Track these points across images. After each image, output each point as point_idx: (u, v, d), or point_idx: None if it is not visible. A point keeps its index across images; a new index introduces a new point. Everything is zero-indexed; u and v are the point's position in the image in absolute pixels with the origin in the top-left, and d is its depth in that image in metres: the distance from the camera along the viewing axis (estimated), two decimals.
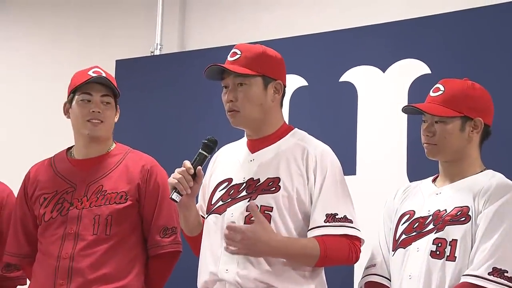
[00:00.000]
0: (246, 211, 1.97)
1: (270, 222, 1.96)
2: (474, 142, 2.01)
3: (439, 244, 1.90)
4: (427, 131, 2.00)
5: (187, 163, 1.98)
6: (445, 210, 1.94)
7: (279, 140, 2.05)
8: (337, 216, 1.96)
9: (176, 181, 1.95)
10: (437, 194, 2.01)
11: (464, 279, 1.85)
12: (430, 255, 1.90)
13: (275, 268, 1.94)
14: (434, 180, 2.07)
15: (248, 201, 1.98)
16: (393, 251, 2.01)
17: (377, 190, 2.69)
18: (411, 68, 2.76)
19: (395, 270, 1.98)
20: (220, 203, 2.03)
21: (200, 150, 2.01)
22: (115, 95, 2.32)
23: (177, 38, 3.49)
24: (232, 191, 2.02)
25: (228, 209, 2.00)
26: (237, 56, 2.04)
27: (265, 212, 1.97)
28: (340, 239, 1.96)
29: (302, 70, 2.94)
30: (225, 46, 3.16)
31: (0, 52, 3.85)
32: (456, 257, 1.88)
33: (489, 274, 1.82)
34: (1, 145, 3.68)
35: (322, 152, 2.02)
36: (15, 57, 3.82)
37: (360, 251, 2.00)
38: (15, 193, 2.45)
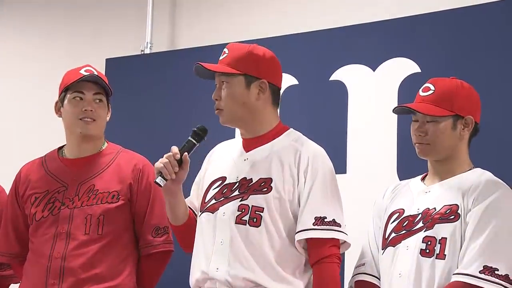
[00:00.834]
0: (238, 211, 1.97)
1: (260, 223, 1.96)
2: (464, 140, 2.03)
3: (429, 242, 1.91)
4: (419, 131, 2.00)
5: (174, 148, 1.99)
6: (435, 208, 1.95)
7: (273, 139, 2.05)
8: (325, 220, 1.95)
9: (162, 165, 1.96)
10: (426, 192, 2.01)
11: (455, 278, 1.85)
12: (419, 253, 1.91)
13: (265, 268, 1.95)
14: (423, 179, 2.08)
15: (241, 200, 1.99)
16: (382, 249, 2.01)
17: (367, 188, 2.70)
18: (401, 67, 2.76)
19: (385, 268, 1.99)
20: (213, 201, 2.03)
21: (189, 138, 2.02)
22: (107, 94, 2.32)
23: (167, 37, 3.48)
24: (225, 190, 2.02)
25: (220, 208, 2.01)
26: (225, 55, 2.06)
27: (256, 212, 1.97)
28: (330, 271, 1.95)
29: (292, 69, 2.94)
30: (215, 45, 3.16)
31: None
32: (445, 255, 1.89)
33: (480, 272, 1.82)
34: None
35: (314, 154, 2.02)
36: (5, 55, 3.80)
37: (341, 257, 1.99)
38: (7, 192, 2.44)
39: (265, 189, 1.98)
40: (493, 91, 2.56)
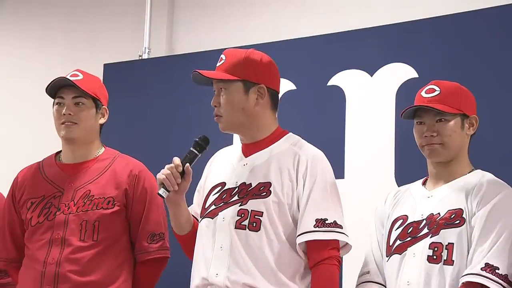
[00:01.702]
0: (237, 215, 1.97)
1: (260, 227, 1.96)
2: (468, 141, 2.02)
3: (436, 249, 1.89)
4: (431, 131, 1.97)
5: (177, 160, 1.99)
6: (439, 213, 1.93)
7: (272, 144, 2.05)
8: (327, 221, 1.95)
9: (164, 177, 1.96)
10: (428, 197, 2.00)
11: (463, 279, 1.84)
12: (427, 260, 1.89)
13: (265, 273, 1.94)
14: (424, 183, 2.06)
15: (240, 205, 1.98)
16: (387, 256, 1.99)
17: (365, 193, 2.70)
18: (399, 72, 2.77)
19: (391, 276, 1.97)
20: (213, 207, 2.03)
21: (191, 148, 2.01)
22: (94, 97, 2.29)
23: (165, 42, 3.48)
24: (225, 195, 2.02)
25: (220, 213, 2.00)
26: (222, 62, 2.06)
27: (255, 217, 1.97)
28: (329, 272, 1.94)
29: (290, 74, 2.94)
30: (213, 50, 3.16)
31: None
32: (453, 261, 1.87)
33: (481, 269, 1.82)
34: None
35: (313, 157, 2.02)
36: (2, 61, 3.80)
37: (341, 260, 1.99)
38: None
39: (264, 194, 1.97)
40: (490, 96, 2.56)
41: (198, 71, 2.03)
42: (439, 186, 2.00)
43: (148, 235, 2.25)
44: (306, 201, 1.97)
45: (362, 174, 2.77)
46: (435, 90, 2.00)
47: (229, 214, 1.98)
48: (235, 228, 1.96)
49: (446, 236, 1.89)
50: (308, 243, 1.96)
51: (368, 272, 2.03)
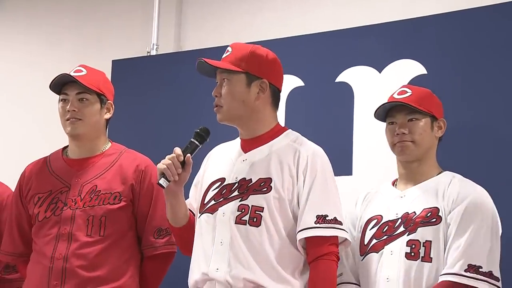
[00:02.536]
0: (237, 211, 1.97)
1: (260, 223, 1.96)
2: (436, 143, 2.11)
3: (413, 246, 1.95)
4: (402, 129, 2.06)
5: (178, 150, 1.99)
6: (414, 212, 2.00)
7: (271, 140, 2.06)
8: (327, 218, 1.96)
9: (165, 166, 1.96)
10: (401, 197, 2.06)
11: (442, 278, 1.90)
12: (405, 256, 1.95)
13: (265, 268, 1.95)
14: (393, 184, 2.13)
15: (240, 200, 1.98)
16: (362, 255, 2.05)
17: None
18: (407, 69, 2.76)
19: (367, 274, 2.02)
20: (212, 202, 2.03)
21: (192, 139, 2.02)
22: (98, 93, 2.29)
23: (173, 38, 3.48)
24: (224, 190, 2.02)
25: (219, 208, 2.01)
26: (228, 53, 2.08)
27: (256, 212, 1.97)
28: (328, 268, 1.95)
29: (298, 71, 2.93)
30: (221, 46, 3.13)
31: None
32: (431, 258, 1.93)
33: (465, 271, 1.87)
34: None
35: (313, 153, 2.03)
36: (11, 58, 3.81)
37: (339, 257, 1.99)
38: None
39: (265, 189, 1.98)
40: (499, 92, 2.55)
41: (203, 59, 2.04)
42: (410, 187, 2.07)
43: (155, 230, 2.26)
44: (307, 197, 1.98)
45: (370, 171, 2.76)
46: (407, 92, 2.11)
47: (229, 209, 1.98)
48: (236, 223, 1.97)
49: (424, 233, 1.96)
50: (307, 238, 1.97)
51: (341, 274, 2.08)
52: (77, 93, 2.27)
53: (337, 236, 1.98)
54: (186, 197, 2.13)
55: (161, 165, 1.97)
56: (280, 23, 3.23)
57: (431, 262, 1.92)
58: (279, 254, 1.96)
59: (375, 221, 2.05)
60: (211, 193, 2.05)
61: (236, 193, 2.00)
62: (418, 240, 1.95)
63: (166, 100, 3.27)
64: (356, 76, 2.86)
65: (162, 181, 1.96)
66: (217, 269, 1.95)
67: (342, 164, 2.66)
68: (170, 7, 3.53)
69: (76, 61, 2.50)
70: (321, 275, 1.94)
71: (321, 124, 2.84)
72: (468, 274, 1.87)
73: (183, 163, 1.98)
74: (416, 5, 2.90)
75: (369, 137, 2.80)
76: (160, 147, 3.11)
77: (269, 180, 1.99)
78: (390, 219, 2.02)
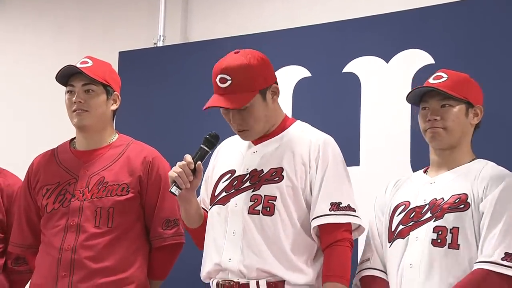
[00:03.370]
0: (250, 201, 1.97)
1: (274, 212, 1.97)
2: (471, 130, 2.05)
3: (440, 232, 1.91)
4: (435, 115, 2.00)
5: (188, 157, 1.99)
6: (442, 198, 1.96)
7: (281, 132, 2.06)
8: (341, 205, 1.98)
9: (176, 175, 1.96)
10: (431, 183, 2.02)
11: (478, 266, 1.86)
12: (431, 243, 1.91)
13: (278, 257, 1.95)
14: (425, 172, 2.09)
15: (253, 191, 1.99)
16: (389, 242, 2.02)
17: (380, 180, 2.66)
18: (415, 58, 2.74)
19: (393, 260, 1.99)
20: (224, 194, 2.04)
21: (202, 145, 2.02)
22: (104, 84, 2.29)
23: (180, 29, 3.48)
24: (236, 182, 2.03)
25: (232, 199, 2.01)
26: (228, 83, 1.98)
27: (269, 201, 1.98)
28: (342, 253, 1.96)
29: (305, 61, 2.92)
30: (228, 37, 3.15)
31: (4, 45, 3.85)
32: (459, 245, 1.89)
33: (502, 259, 1.83)
34: (5, 137, 3.69)
35: (324, 142, 2.04)
36: (18, 49, 3.82)
37: (353, 243, 2.01)
38: None
39: (277, 178, 1.99)
40: (509, 81, 2.53)
41: (223, 106, 1.97)
42: (441, 173, 2.02)
43: (163, 221, 2.26)
44: (320, 185, 1.99)
45: (377, 161, 2.76)
46: (442, 77, 2.04)
47: (242, 199, 1.99)
48: (249, 213, 1.98)
49: (451, 220, 1.91)
50: (321, 226, 1.98)
51: (368, 259, 2.06)
52: (83, 84, 2.28)
53: (350, 223, 1.99)
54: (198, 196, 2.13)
55: (173, 173, 1.97)
56: (287, 14, 3.21)
57: (458, 249, 1.88)
58: (293, 242, 1.97)
59: (403, 207, 2.01)
60: (221, 185, 2.05)
61: (247, 184, 2.00)
62: (445, 226, 1.90)
63: (173, 91, 3.26)
64: (363, 67, 2.85)
65: (174, 189, 1.97)
66: (230, 259, 1.96)
67: (349, 154, 2.64)
68: None
69: (83, 53, 2.50)
70: (336, 260, 1.96)
71: (328, 114, 2.83)
72: (505, 263, 1.83)
73: (194, 171, 1.98)
74: None
75: (377, 127, 2.79)
76: (166, 138, 3.13)
77: (281, 169, 1.99)
78: (418, 205, 1.98)
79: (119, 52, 3.39)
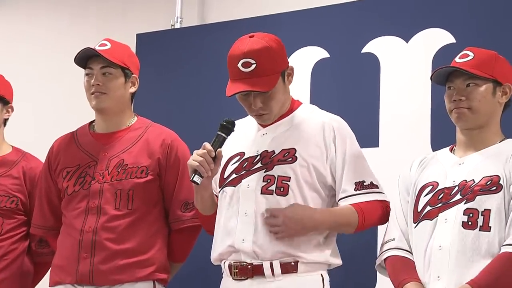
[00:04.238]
0: (263, 181, 1.97)
1: (288, 192, 1.97)
2: (500, 109, 2.00)
3: (471, 215, 1.87)
4: (459, 95, 1.96)
5: (208, 145, 1.99)
6: (473, 180, 1.91)
7: (289, 114, 2.07)
8: (365, 183, 2.01)
9: (197, 163, 1.96)
10: (460, 164, 1.98)
11: (505, 249, 1.82)
12: (462, 225, 1.87)
13: (291, 238, 1.95)
14: (451, 150, 2.04)
15: (265, 171, 1.98)
16: (415, 223, 1.98)
17: (400, 161, 2.64)
18: (435, 38, 2.70)
19: (420, 241, 1.95)
20: (234, 175, 2.04)
21: (218, 132, 2.02)
22: (122, 67, 2.29)
23: (197, 11, 3.46)
24: (246, 163, 2.03)
25: (243, 180, 2.01)
26: (253, 67, 1.97)
27: (283, 182, 1.98)
28: (373, 204, 2.01)
29: (323, 42, 2.90)
30: (245, 19, 3.13)
31: (22, 28, 3.86)
32: (490, 227, 1.85)
33: None
34: (25, 120, 3.71)
35: (339, 123, 2.06)
36: (36, 33, 3.83)
37: (390, 209, 2.04)
38: None
39: (290, 159, 1.99)
40: None
41: (253, 90, 1.97)
42: (469, 154, 1.98)
43: (182, 203, 2.27)
44: (343, 166, 2.00)
45: (397, 142, 2.73)
46: (468, 56, 1.99)
47: (254, 180, 1.99)
48: (261, 193, 1.98)
49: (483, 202, 1.87)
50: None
51: (393, 239, 2.02)
52: (101, 67, 2.28)
53: (378, 200, 2.02)
54: None
55: (194, 162, 1.97)
56: None
57: (489, 231, 1.84)
58: None
59: (431, 187, 1.98)
60: (230, 167, 2.05)
61: (259, 164, 2.00)
62: (476, 209, 1.86)
63: (191, 73, 3.26)
64: (383, 47, 2.81)
65: (196, 178, 1.96)
66: (243, 240, 1.96)
67: (368, 136, 2.63)
68: None
69: (101, 35, 2.50)
70: (369, 206, 2.01)
71: (347, 96, 2.81)
72: None
73: (214, 158, 1.98)
74: None
75: (396, 108, 2.76)
76: (185, 120, 3.13)
77: (293, 150, 1.99)
78: (447, 186, 1.94)
79: (137, 34, 3.38)
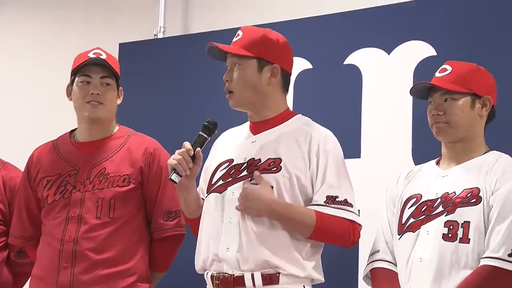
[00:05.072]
0: (250, 180, 1.97)
1: None
2: (482, 122, 2.02)
3: (451, 227, 1.89)
4: (437, 110, 1.99)
5: (187, 144, 2.00)
6: (454, 192, 1.93)
7: (281, 123, 2.06)
8: (337, 199, 1.97)
9: (176, 162, 1.97)
10: (443, 176, 1.99)
11: (484, 262, 1.83)
12: (442, 237, 1.89)
13: (275, 249, 1.95)
14: (437, 163, 2.06)
15: (250, 180, 1.99)
16: (399, 235, 2.00)
17: (381, 173, 2.67)
18: (417, 50, 2.73)
19: (403, 254, 1.97)
20: (221, 182, 2.04)
21: (200, 132, 2.03)
22: (116, 78, 2.31)
23: (180, 21, 3.47)
24: (233, 170, 2.03)
25: (229, 188, 2.01)
26: (239, 37, 2.07)
27: None
28: (338, 218, 1.97)
29: (306, 53, 2.91)
30: (228, 29, 3.13)
31: (6, 36, 3.84)
32: (470, 239, 1.87)
33: (509, 255, 1.81)
34: (6, 128, 3.68)
35: (325, 136, 2.04)
36: (19, 42, 3.81)
37: (359, 235, 2.00)
38: None
39: (275, 169, 1.99)
40: (510, 74, 2.52)
41: (214, 44, 2.03)
42: (453, 166, 2.00)
43: (164, 212, 2.27)
44: (319, 179, 1.99)
45: (378, 153, 2.75)
46: (446, 70, 2.02)
47: (239, 189, 1.99)
48: None
49: (462, 214, 1.89)
50: None
51: (378, 251, 2.04)
52: (101, 76, 2.27)
53: (346, 219, 1.98)
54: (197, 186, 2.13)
55: (172, 160, 1.98)
56: (287, 5, 3.20)
57: (469, 243, 1.85)
58: (290, 233, 1.96)
59: (414, 200, 1.99)
60: (219, 174, 2.05)
61: (245, 172, 2.01)
62: (456, 221, 1.87)
63: (174, 83, 3.26)
64: (365, 58, 2.84)
65: (174, 177, 1.97)
66: (228, 248, 1.96)
67: (350, 146, 2.64)
68: None
69: (84, 44, 2.50)
70: (333, 219, 1.96)
71: (329, 106, 2.82)
72: (511, 259, 1.80)
73: (193, 157, 1.99)
74: None
75: (378, 119, 2.78)
76: (167, 130, 3.12)
77: (279, 160, 1.99)
78: (430, 198, 1.96)
79: (120, 44, 3.37)
